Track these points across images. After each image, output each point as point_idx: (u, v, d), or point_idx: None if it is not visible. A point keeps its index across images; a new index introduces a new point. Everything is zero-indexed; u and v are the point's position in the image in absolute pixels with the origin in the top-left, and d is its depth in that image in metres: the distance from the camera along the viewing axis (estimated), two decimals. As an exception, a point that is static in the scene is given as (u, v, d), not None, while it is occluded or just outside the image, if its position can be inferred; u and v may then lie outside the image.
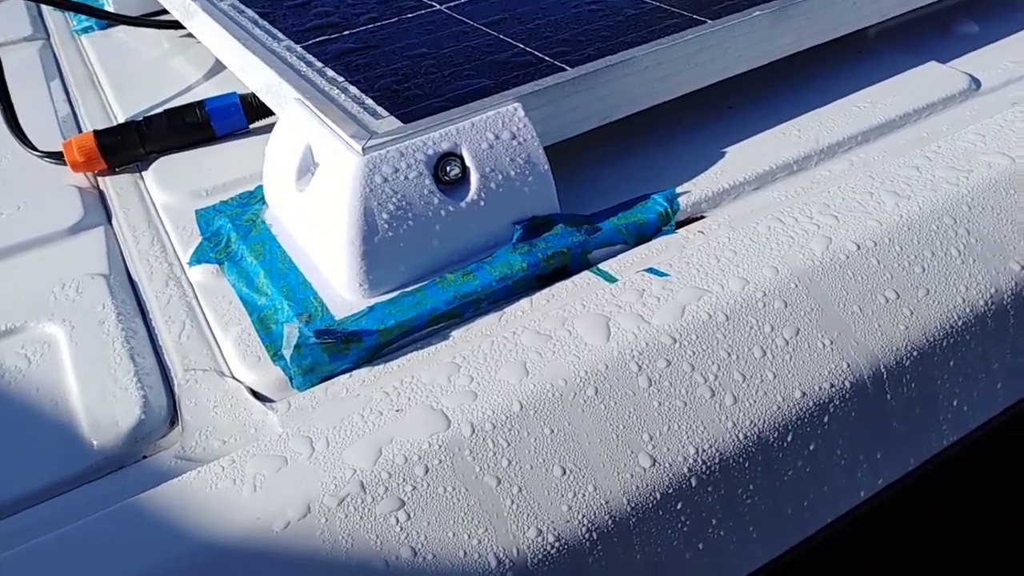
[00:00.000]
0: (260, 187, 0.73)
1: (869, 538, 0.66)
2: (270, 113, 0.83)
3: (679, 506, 0.53)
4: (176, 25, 1.10)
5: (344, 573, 0.46)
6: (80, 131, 0.93)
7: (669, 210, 0.66)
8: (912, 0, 0.84)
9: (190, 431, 0.53)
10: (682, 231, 0.65)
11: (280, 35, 0.80)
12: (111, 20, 1.13)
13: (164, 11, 1.17)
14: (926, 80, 0.82)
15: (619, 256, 0.64)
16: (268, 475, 0.48)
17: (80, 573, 0.45)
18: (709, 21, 0.73)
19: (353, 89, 0.68)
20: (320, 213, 0.60)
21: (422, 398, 0.53)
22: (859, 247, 0.62)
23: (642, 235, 0.65)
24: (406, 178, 0.59)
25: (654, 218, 0.66)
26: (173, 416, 0.55)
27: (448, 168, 0.60)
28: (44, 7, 1.31)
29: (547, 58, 0.69)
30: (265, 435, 0.52)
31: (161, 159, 0.81)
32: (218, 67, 1.01)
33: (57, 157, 0.82)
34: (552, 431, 0.51)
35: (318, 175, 0.61)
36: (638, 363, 0.54)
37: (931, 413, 0.63)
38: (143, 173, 0.80)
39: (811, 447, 0.58)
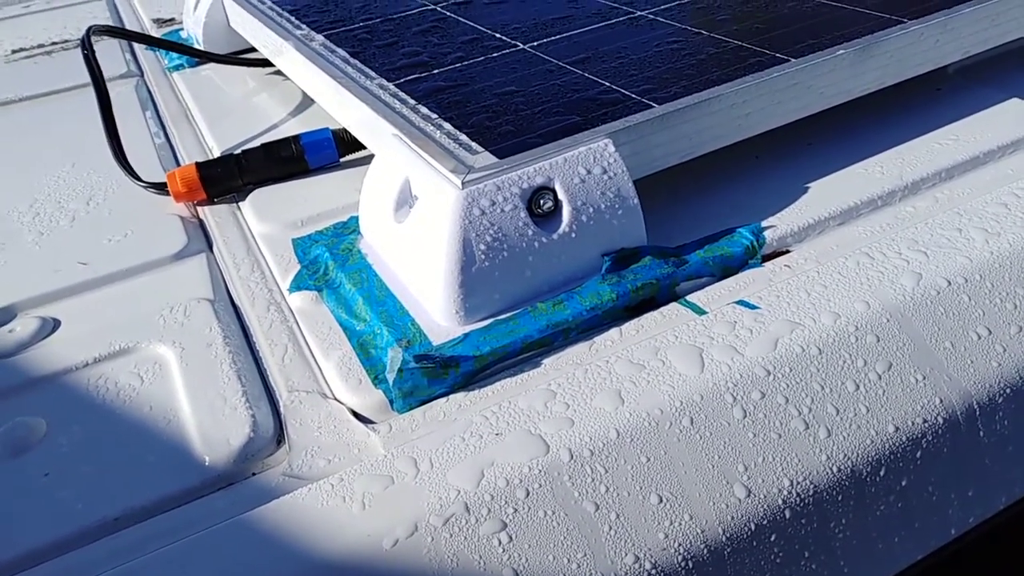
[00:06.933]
0: (353, 218, 0.76)
1: (959, 578, 0.65)
2: (360, 147, 0.87)
3: (772, 537, 0.53)
4: (263, 63, 1.15)
5: (449, 592, 0.47)
6: (177, 163, 0.98)
7: (755, 243, 0.67)
8: (993, 38, 0.85)
9: (296, 450, 0.56)
10: (768, 265, 0.66)
11: (372, 73, 0.83)
12: (202, 58, 1.19)
13: (251, 50, 1.23)
14: (1009, 117, 0.82)
15: (706, 288, 0.65)
16: (376, 494, 0.50)
17: (198, 583, 0.47)
18: (792, 59, 0.74)
19: (447, 125, 0.71)
20: (419, 243, 0.63)
21: (520, 423, 0.54)
22: (950, 283, 0.62)
23: (728, 268, 0.66)
24: (502, 211, 0.61)
25: (740, 251, 0.67)
26: (279, 435, 0.57)
27: (542, 201, 0.62)
28: (137, 46, 1.38)
29: (633, 95, 0.71)
30: (369, 455, 0.54)
31: (257, 191, 0.85)
32: (304, 103, 1.06)
33: (159, 188, 0.86)
34: (648, 459, 0.52)
35: (417, 207, 0.63)
36: (733, 394, 0.55)
37: (1024, 452, 0.62)
38: (240, 204, 0.84)
39: (903, 483, 0.57)
